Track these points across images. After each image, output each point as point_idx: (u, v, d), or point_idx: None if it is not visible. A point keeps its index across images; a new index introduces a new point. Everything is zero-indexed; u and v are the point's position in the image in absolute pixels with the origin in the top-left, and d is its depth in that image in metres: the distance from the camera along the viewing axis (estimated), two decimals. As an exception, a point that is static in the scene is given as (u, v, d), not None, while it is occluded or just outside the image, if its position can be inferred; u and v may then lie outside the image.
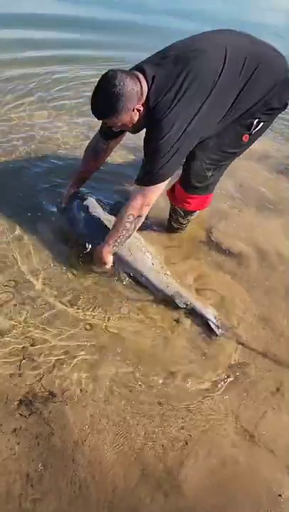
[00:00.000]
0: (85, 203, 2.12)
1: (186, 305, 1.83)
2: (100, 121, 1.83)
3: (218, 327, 1.78)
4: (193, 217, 2.18)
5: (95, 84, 1.60)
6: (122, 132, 1.93)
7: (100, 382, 1.54)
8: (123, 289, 1.92)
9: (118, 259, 1.94)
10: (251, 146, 1.94)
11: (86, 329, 1.72)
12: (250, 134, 1.83)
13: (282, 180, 2.98)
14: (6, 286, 1.85)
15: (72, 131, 3.14)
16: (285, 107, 1.84)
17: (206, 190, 2.01)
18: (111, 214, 2.05)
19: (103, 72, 1.59)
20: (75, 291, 1.88)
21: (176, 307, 1.84)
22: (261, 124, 1.81)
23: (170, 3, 8.04)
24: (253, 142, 1.91)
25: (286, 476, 1.36)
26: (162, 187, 1.74)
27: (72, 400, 1.47)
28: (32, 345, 1.63)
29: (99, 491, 1.26)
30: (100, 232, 1.93)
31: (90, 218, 2.06)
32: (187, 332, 1.78)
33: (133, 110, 1.61)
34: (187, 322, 1.82)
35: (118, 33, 5.45)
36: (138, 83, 1.57)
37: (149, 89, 1.59)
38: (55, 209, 2.29)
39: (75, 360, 1.60)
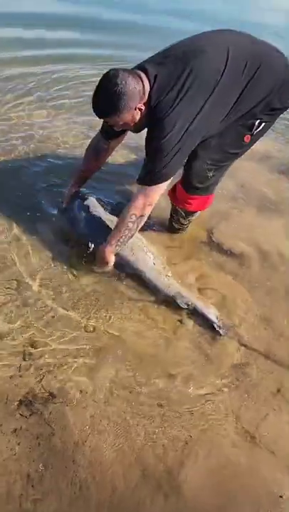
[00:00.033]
0: (86, 202, 2.11)
1: (188, 305, 1.82)
2: (101, 121, 1.82)
3: (220, 327, 1.77)
4: (194, 217, 2.18)
5: (95, 83, 1.60)
6: (123, 132, 1.92)
7: (101, 383, 1.53)
8: (124, 290, 1.92)
9: (120, 259, 1.93)
10: (253, 147, 1.94)
11: (87, 331, 1.71)
12: (251, 135, 1.82)
13: (283, 180, 2.97)
14: (8, 288, 1.84)
15: (72, 131, 3.13)
16: (286, 108, 1.84)
17: (207, 190, 2.01)
18: (112, 214, 2.04)
19: (103, 71, 1.59)
20: (75, 292, 1.87)
21: (178, 308, 1.83)
22: (263, 124, 1.80)
23: (170, 3, 8.03)
24: (255, 143, 1.91)
25: (286, 476, 1.36)
26: (164, 186, 1.73)
27: (72, 401, 1.46)
28: (32, 346, 1.62)
29: (99, 491, 1.26)
30: (101, 232, 1.93)
31: (91, 218, 2.05)
32: (190, 333, 1.78)
33: (135, 109, 1.61)
34: (190, 323, 1.81)
35: (118, 33, 5.43)
36: (140, 82, 1.57)
37: (151, 88, 1.59)
38: (54, 209, 2.28)
39: (76, 361, 1.59)
